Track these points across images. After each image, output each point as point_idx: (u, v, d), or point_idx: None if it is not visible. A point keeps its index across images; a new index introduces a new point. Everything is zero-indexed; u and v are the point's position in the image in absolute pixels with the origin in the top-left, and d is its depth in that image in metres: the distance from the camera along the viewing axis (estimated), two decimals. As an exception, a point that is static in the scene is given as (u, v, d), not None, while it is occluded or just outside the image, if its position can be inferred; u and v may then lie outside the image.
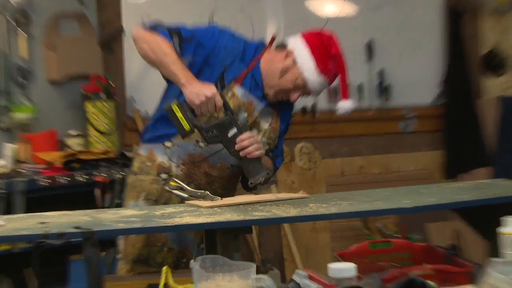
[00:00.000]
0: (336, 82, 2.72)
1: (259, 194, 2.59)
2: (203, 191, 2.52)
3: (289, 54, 2.68)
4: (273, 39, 2.78)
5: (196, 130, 2.50)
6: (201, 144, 2.64)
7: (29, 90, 4.30)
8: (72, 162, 3.97)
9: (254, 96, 2.69)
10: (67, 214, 2.33)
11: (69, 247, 3.35)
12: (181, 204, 2.52)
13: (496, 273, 1.55)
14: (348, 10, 4.91)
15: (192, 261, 1.68)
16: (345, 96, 2.72)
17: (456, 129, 5.06)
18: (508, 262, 1.66)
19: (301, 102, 4.37)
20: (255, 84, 2.70)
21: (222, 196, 2.56)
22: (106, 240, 3.60)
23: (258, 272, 1.65)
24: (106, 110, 4.29)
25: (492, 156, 5.04)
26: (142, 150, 2.79)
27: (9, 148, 4.05)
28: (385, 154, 5.06)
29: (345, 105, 2.73)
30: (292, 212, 2.26)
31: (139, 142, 2.84)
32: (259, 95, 2.71)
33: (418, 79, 5.03)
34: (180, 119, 2.46)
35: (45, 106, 4.33)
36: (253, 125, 2.70)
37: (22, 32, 4.27)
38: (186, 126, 2.47)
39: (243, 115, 2.67)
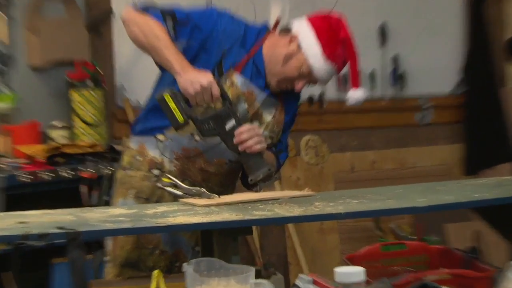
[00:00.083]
0: (346, 69, 2.72)
1: (260, 192, 2.59)
2: (198, 188, 2.52)
3: (293, 38, 2.68)
4: (277, 23, 2.77)
5: (191, 122, 2.50)
6: (197, 137, 2.64)
7: (9, 77, 4.30)
8: (56, 156, 3.98)
9: (255, 85, 2.69)
10: (49, 213, 2.34)
11: (52, 249, 3.35)
12: (174, 203, 2.52)
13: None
14: (359, -10, 4.91)
15: (185, 264, 1.68)
16: (356, 84, 2.71)
17: (478, 121, 5.05)
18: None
19: (307, 92, 4.38)
20: (256, 72, 2.69)
21: (220, 194, 2.56)
22: (92, 242, 3.62)
23: (259, 277, 1.66)
24: (94, 99, 4.29)
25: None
26: (133, 143, 2.79)
27: (-13, 141, 4.07)
28: (400, 148, 5.06)
29: (355, 95, 2.72)
30: (296, 211, 2.26)
31: (129, 135, 2.85)
32: (261, 84, 2.70)
33: (436, 65, 5.02)
34: (173, 110, 2.46)
35: (26, 94, 4.33)
36: (255, 117, 2.70)
37: (2, 14, 4.27)
38: (179, 117, 2.46)
39: (243, 106, 2.67)
